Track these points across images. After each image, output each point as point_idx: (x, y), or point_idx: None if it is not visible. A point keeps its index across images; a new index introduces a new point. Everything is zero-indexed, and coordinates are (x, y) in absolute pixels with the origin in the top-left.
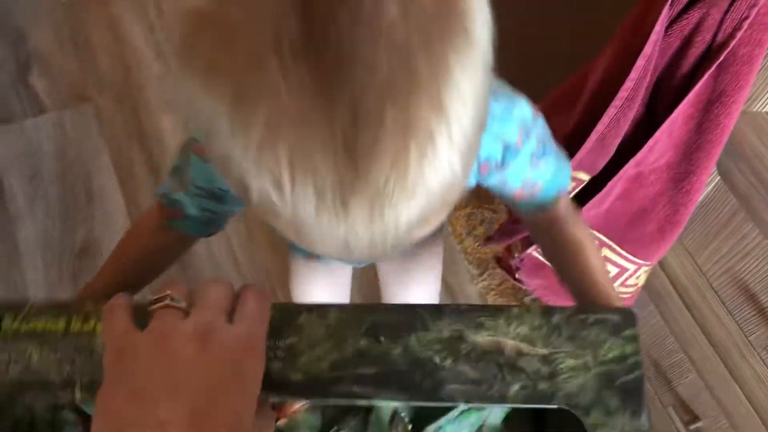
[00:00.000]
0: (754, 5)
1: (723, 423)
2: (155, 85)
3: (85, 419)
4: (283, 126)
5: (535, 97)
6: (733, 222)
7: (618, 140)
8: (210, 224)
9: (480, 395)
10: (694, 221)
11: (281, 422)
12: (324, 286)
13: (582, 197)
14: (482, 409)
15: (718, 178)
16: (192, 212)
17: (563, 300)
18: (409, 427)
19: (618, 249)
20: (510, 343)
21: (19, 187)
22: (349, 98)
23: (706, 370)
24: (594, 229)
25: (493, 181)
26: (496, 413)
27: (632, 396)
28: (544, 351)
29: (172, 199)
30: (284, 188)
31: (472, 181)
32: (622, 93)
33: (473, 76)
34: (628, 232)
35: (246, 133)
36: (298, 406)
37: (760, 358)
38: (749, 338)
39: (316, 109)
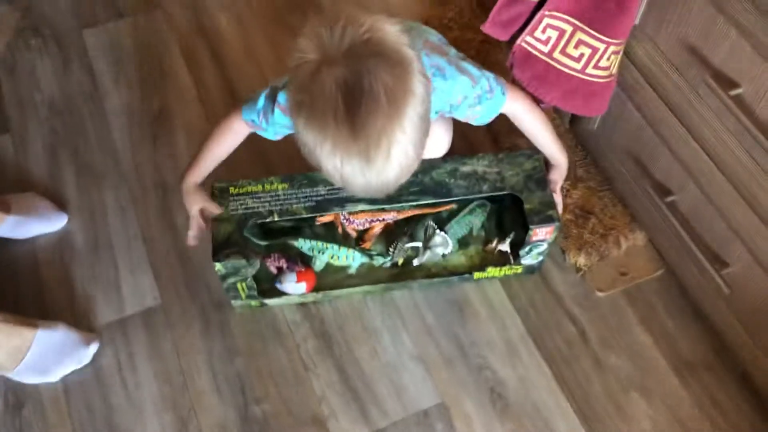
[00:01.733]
0: None
1: (692, 189)
2: None
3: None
4: (338, 147)
5: None
6: None
7: None
8: (279, 135)
9: (469, 192)
10: (651, 8)
11: (366, 245)
12: None
13: None
14: (472, 213)
15: None
16: (270, 131)
17: (553, 89)
18: (436, 228)
19: (587, 29)
20: (480, 169)
21: (106, 71)
22: (365, 137)
23: (673, 141)
24: (567, 15)
25: (446, 114)
26: (478, 220)
27: (541, 183)
28: (496, 170)
29: (257, 123)
30: (337, 167)
31: (433, 116)
32: None
33: (418, 120)
34: (594, 12)
35: (322, 148)
36: (375, 230)
37: (708, 105)
38: (698, 91)
39: (352, 141)
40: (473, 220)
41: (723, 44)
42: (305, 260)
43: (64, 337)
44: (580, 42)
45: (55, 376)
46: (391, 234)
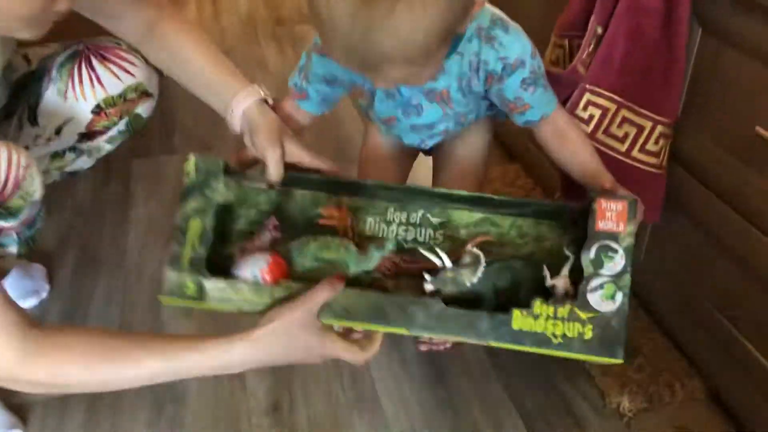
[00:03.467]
0: None
1: (757, 294)
2: None
3: None
4: None
5: None
6: (720, 63)
7: None
8: (322, 103)
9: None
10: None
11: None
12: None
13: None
14: (512, 265)
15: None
16: (312, 94)
17: None
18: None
19: (633, 106)
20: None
21: (142, 190)
22: None
23: (730, 238)
24: (611, 92)
25: (494, 91)
26: (526, 276)
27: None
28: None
29: (300, 87)
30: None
31: (480, 88)
32: None
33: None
34: (639, 87)
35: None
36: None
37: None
38: (752, 157)
39: None
40: (519, 274)
41: None
42: None
43: None
44: (624, 120)
45: None
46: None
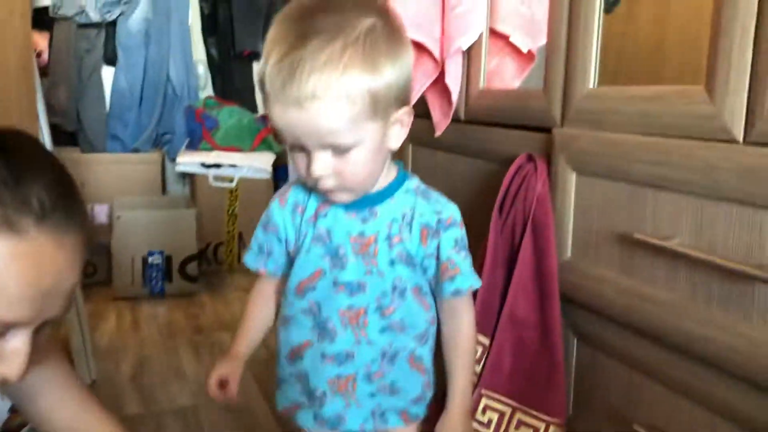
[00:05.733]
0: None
1: None
2: None
3: None
4: (278, 34)
5: None
6: (597, 368)
7: (496, 302)
8: (259, 254)
9: None
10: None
11: None
12: None
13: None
14: None
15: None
16: (253, 245)
17: None
18: None
19: (526, 408)
20: None
21: None
22: (308, 29)
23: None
24: (505, 396)
25: (431, 249)
26: None
27: None
28: None
29: (252, 251)
30: (266, 59)
31: (411, 243)
32: (487, 261)
33: (380, 82)
34: (528, 389)
35: (268, 44)
36: None
37: None
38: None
39: (295, 23)
40: None
41: None
42: None
43: None
44: (520, 423)
45: None
46: None
